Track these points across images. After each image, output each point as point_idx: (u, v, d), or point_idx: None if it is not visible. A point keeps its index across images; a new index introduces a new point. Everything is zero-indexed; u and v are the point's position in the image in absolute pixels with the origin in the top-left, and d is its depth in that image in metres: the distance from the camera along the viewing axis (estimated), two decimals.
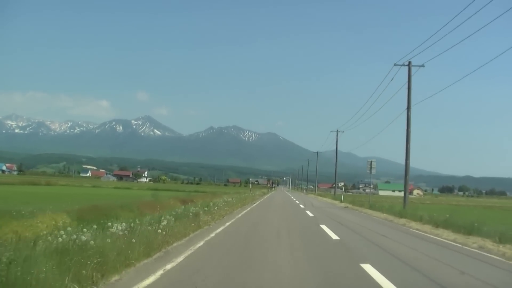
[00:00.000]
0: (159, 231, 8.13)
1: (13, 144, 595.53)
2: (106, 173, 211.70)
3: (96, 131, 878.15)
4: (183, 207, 13.43)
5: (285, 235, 11.90)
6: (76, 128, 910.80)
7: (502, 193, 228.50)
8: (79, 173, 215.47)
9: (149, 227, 8.33)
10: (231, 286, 6.03)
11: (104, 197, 32.89)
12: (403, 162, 26.71)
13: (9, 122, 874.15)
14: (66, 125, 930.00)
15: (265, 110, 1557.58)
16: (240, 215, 19.25)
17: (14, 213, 11.20)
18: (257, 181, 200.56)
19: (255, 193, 50.37)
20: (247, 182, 73.20)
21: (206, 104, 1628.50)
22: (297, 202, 40.10)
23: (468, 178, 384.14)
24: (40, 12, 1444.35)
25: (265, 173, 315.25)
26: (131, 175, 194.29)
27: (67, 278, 4.80)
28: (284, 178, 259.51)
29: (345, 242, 10.92)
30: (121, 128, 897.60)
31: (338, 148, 61.06)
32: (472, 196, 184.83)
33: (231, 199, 24.06)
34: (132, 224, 7.83)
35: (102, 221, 10.41)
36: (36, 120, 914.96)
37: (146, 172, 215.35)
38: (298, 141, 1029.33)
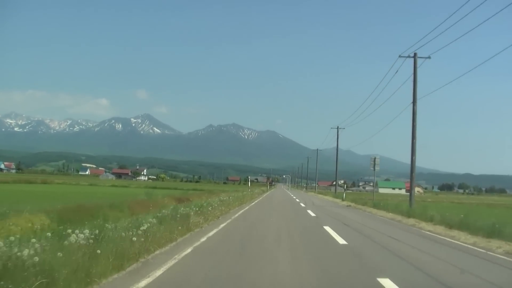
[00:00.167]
0: (134, 238, 6.76)
1: (13, 142, 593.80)
2: (105, 171, 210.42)
3: (96, 130, 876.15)
4: (171, 207, 12.08)
5: (286, 240, 10.58)
6: (76, 126, 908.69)
7: (502, 191, 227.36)
8: (78, 171, 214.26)
9: (123, 233, 6.99)
10: None
11: (98, 196, 31.54)
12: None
13: (9, 121, 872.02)
14: (66, 123, 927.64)
15: (264, 108, 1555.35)
16: (237, 215, 17.93)
17: None
18: (256, 179, 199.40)
19: (254, 191, 49.02)
20: (246, 180, 72.01)
21: (206, 102, 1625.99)
22: (297, 200, 38.77)
23: (467, 175, 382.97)
24: (39, 10, 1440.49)
25: (264, 171, 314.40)
26: (129, 173, 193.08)
27: None
28: (284, 176, 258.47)
29: (355, 248, 9.58)
30: (120, 126, 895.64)
31: (338, 146, 59.89)
32: (472, 194, 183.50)
33: (227, 197, 22.70)
34: (98, 231, 6.46)
35: (87, 222, 9.32)
36: (36, 119, 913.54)
37: (145, 170, 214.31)
38: (298, 139, 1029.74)
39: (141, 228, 7.74)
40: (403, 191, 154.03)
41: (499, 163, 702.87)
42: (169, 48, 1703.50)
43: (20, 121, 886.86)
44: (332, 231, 12.56)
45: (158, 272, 6.32)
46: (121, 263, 6.31)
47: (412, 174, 25.37)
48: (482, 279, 6.70)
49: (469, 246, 10.86)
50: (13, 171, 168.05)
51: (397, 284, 5.87)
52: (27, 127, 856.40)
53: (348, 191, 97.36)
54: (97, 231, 6.32)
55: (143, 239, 7.33)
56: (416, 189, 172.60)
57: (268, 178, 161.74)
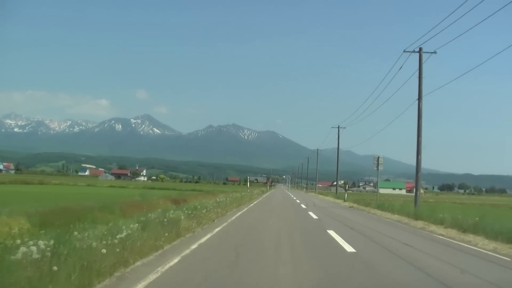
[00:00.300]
0: (104, 250, 5.65)
1: (12, 143, 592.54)
2: (105, 172, 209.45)
3: (96, 130, 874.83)
4: (159, 210, 10.99)
5: (287, 247, 9.48)
6: (75, 127, 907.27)
7: (502, 191, 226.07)
8: (77, 172, 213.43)
9: (95, 243, 5.89)
10: None
11: (93, 197, 30.53)
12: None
13: (8, 121, 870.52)
14: (65, 124, 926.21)
15: (264, 108, 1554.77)
16: (234, 217, 16.82)
17: None
18: (256, 180, 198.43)
19: (253, 192, 47.88)
20: (246, 181, 70.94)
21: (205, 103, 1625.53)
22: (298, 201, 37.64)
23: (467, 175, 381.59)
24: (38, 10, 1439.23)
25: (264, 172, 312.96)
26: (129, 174, 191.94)
27: None
28: (284, 177, 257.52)
29: (365, 257, 8.45)
30: (120, 126, 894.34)
31: (339, 146, 58.96)
32: (473, 194, 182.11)
33: (224, 198, 21.58)
34: (57, 241, 5.35)
35: (72, 226, 8.27)
36: (35, 119, 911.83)
37: (144, 171, 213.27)
38: (297, 139, 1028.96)
39: (118, 236, 6.64)
40: (403, 192, 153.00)
41: (499, 163, 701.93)
42: (168, 48, 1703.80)
43: (20, 121, 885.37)
44: (337, 236, 11.46)
45: None
46: (88, 280, 5.22)
47: (418, 174, 24.36)
48: None
49: (491, 253, 9.74)
50: (12, 171, 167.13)
51: None
52: (26, 127, 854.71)
53: (348, 191, 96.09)
54: (63, 241, 5.23)
55: (118, 250, 6.22)
56: None
57: (268, 179, 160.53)
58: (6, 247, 4.91)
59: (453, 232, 13.76)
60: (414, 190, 25.20)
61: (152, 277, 6.05)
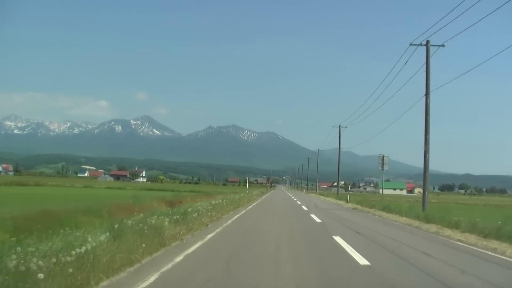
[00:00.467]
0: (41, 275, 4.24)
1: (12, 144, 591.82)
2: (104, 173, 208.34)
3: (95, 131, 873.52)
4: (141, 215, 9.60)
5: (288, 258, 8.09)
6: (75, 128, 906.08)
7: (503, 191, 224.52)
8: (76, 173, 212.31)
9: (41, 262, 4.51)
10: None
11: (87, 198, 29.31)
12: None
13: (8, 123, 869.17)
14: (65, 125, 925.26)
15: (264, 109, 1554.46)
16: (230, 221, 15.42)
17: None
18: (256, 180, 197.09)
19: (252, 193, 46.43)
20: (245, 182, 69.45)
21: (205, 104, 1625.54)
22: (298, 203, 36.21)
23: (467, 176, 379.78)
24: (38, 12, 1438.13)
25: (264, 172, 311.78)
26: (128, 175, 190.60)
27: None
28: (284, 177, 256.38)
29: (383, 272, 7.00)
30: (120, 128, 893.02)
31: (340, 145, 57.77)
32: (474, 194, 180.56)
33: (221, 200, 20.17)
34: None
35: (51, 231, 7.02)
36: (35, 121, 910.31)
37: (143, 172, 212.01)
38: (297, 140, 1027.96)
39: (77, 251, 5.26)
40: (404, 192, 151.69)
41: (499, 163, 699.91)
42: (168, 50, 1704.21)
43: (20, 123, 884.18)
44: (345, 243, 10.05)
45: None
46: None
47: (426, 174, 23.07)
48: None
49: None
50: (11, 173, 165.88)
51: None
52: (26, 129, 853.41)
53: (349, 192, 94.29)
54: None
55: (71, 270, 4.83)
56: (417, 190, 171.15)
57: (268, 180, 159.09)
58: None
59: (472, 238, 12.38)
60: (422, 191, 23.84)
61: None
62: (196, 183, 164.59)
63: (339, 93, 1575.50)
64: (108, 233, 6.60)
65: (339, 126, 56.96)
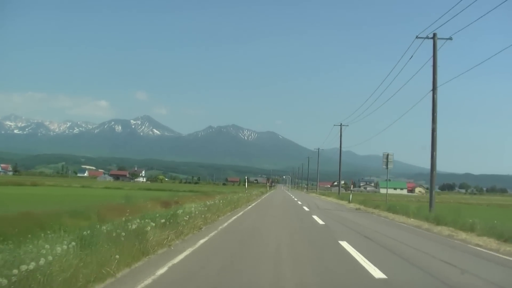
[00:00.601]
0: None
1: (12, 144, 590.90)
2: (104, 173, 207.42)
3: (95, 131, 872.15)
4: (123, 219, 8.50)
5: (289, 268, 7.05)
6: (75, 128, 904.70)
7: (503, 191, 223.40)
8: (76, 173, 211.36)
9: None
10: None
11: (83, 198, 28.43)
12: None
13: (8, 123, 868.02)
14: (65, 125, 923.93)
15: (263, 109, 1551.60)
16: (226, 224, 14.38)
17: None
18: (256, 180, 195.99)
19: (252, 193, 45.35)
20: (245, 181, 68.35)
21: (205, 104, 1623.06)
22: (299, 203, 35.12)
23: (468, 175, 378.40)
24: (38, 12, 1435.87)
25: (264, 172, 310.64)
26: (127, 175, 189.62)
27: None
28: (284, 177, 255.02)
29: None
30: (120, 128, 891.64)
31: (338, 145, 56.98)
32: (474, 194, 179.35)
33: (218, 201, 19.07)
34: None
35: (30, 236, 6.35)
36: (35, 121, 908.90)
37: (143, 172, 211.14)
38: (297, 139, 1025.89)
39: (24, 268, 4.15)
40: (404, 191, 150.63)
41: (499, 163, 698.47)
42: (168, 50, 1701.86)
43: (20, 123, 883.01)
44: (354, 250, 8.96)
45: None
46: None
47: (433, 173, 22.06)
48: None
49: None
50: (10, 173, 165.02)
51: None
52: (26, 129, 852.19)
53: (348, 191, 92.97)
54: None
55: None
56: (418, 189, 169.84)
57: (268, 179, 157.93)
58: None
59: (491, 242, 11.32)
60: (429, 190, 22.78)
61: None
62: (196, 183, 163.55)
63: (339, 93, 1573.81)
64: (74, 243, 5.49)
65: (340, 125, 56.30)
